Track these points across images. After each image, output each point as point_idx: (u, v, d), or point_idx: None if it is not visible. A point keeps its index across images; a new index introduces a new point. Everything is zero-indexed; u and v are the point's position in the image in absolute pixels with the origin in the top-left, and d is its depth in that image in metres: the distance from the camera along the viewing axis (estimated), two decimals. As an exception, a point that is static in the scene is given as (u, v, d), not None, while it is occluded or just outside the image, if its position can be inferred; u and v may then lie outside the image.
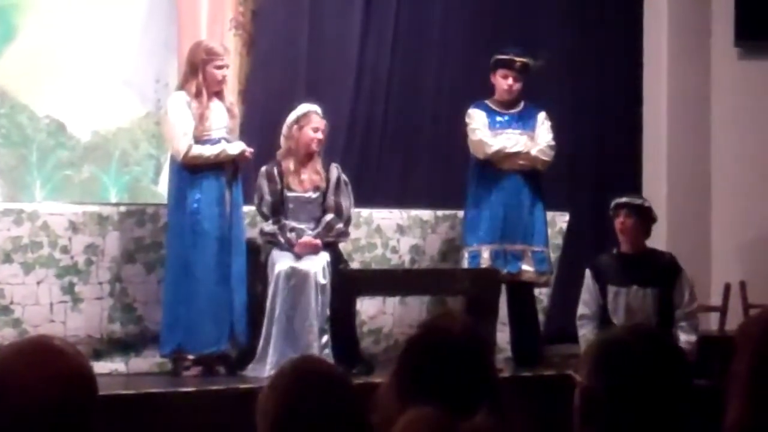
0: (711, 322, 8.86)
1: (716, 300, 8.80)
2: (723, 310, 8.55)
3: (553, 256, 8.14)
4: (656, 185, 9.43)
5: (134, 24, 8.19)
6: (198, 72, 7.04)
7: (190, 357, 6.99)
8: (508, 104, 7.88)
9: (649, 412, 2.33)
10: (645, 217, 7.18)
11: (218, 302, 6.98)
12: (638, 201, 7.31)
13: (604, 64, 9.55)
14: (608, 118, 9.55)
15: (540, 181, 7.89)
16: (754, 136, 9.39)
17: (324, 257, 7.22)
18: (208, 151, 7.00)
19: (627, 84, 9.66)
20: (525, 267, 7.75)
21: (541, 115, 7.92)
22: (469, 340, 2.76)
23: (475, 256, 7.73)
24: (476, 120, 7.83)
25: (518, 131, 7.84)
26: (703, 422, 2.50)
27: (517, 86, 7.82)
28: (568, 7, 9.44)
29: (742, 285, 8.66)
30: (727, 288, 8.61)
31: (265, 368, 6.91)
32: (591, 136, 9.10)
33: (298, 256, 7.17)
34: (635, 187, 9.33)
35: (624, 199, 7.23)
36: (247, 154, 7.13)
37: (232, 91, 7.56)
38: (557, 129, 7.98)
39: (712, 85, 9.59)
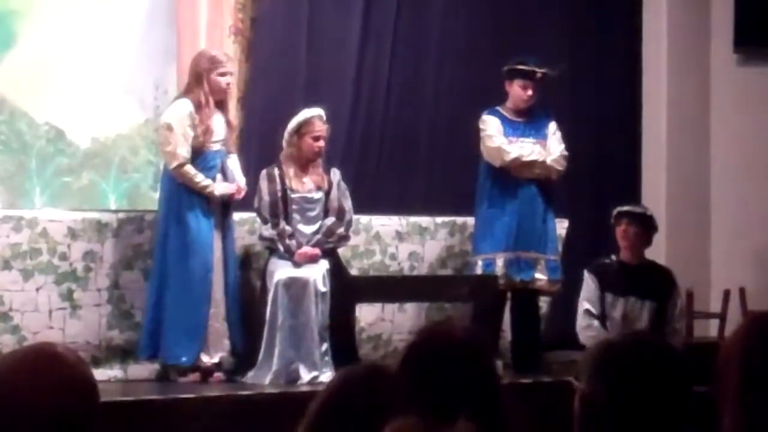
0: (711, 329, 8.86)
1: (716, 306, 8.80)
2: (722, 317, 8.55)
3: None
4: (655, 192, 9.42)
5: (133, 31, 8.18)
6: (202, 81, 7.02)
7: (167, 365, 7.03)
8: (520, 112, 7.87)
9: (649, 418, 2.33)
10: (647, 227, 7.22)
11: (195, 316, 6.95)
12: (640, 210, 7.36)
13: (604, 71, 9.55)
14: (607, 124, 9.54)
15: (552, 191, 7.90)
16: (753, 142, 9.38)
17: (324, 265, 7.21)
18: (199, 178, 6.97)
19: (626, 90, 9.65)
20: (538, 275, 7.76)
21: (552, 125, 7.92)
22: (470, 346, 2.76)
23: (489, 264, 7.73)
24: (491, 127, 7.80)
25: (531, 140, 7.84)
26: (702, 429, 2.49)
27: (535, 96, 7.83)
28: (568, 13, 9.43)
29: (742, 291, 8.66)
30: (727, 294, 8.61)
31: (267, 375, 6.91)
32: (590, 143, 9.09)
33: (297, 264, 7.17)
34: (634, 194, 9.33)
35: (627, 208, 7.32)
36: (236, 195, 7.12)
37: (230, 97, 7.53)
38: (557, 136, 7.99)
39: (711, 91, 9.59)
